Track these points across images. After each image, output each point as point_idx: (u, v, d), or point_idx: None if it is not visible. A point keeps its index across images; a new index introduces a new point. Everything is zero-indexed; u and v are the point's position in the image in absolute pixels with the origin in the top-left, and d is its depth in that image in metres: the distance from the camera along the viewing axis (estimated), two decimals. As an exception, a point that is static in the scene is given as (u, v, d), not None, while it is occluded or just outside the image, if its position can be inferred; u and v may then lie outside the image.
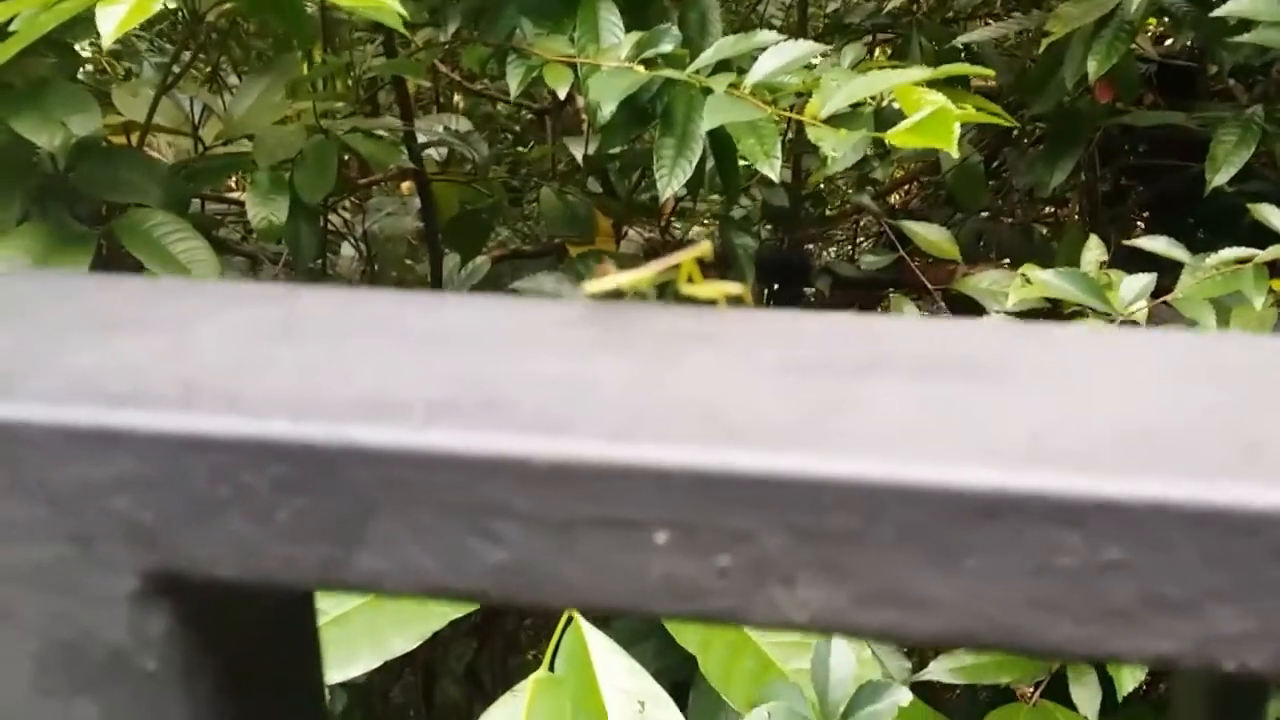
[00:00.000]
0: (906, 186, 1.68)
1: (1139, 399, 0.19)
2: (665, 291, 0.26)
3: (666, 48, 0.82)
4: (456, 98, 1.70)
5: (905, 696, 0.67)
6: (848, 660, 0.68)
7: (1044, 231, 1.48)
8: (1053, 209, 1.59)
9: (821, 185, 1.48)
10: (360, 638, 0.67)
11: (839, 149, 0.70)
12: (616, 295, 0.25)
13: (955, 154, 0.77)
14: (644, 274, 0.26)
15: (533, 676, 0.68)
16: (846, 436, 0.18)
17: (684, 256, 0.26)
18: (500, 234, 1.54)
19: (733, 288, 0.26)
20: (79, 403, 0.19)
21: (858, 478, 0.17)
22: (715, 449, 0.18)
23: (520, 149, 1.85)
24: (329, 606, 0.66)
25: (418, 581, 0.19)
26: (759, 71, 0.75)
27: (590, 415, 0.19)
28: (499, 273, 1.46)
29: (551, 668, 0.68)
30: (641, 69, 0.81)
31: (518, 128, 1.86)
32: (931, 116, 0.65)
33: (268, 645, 0.23)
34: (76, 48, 1.10)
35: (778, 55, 0.74)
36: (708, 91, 0.76)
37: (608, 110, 0.75)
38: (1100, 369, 0.20)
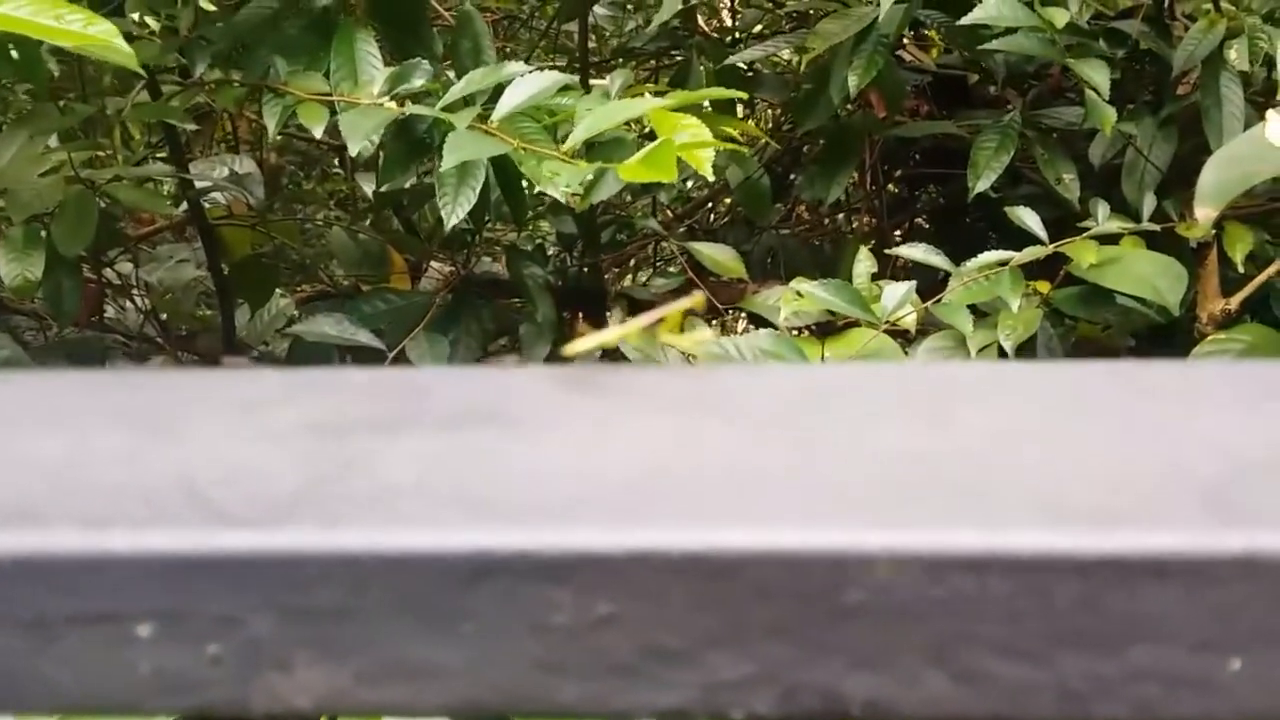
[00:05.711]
0: (710, 205, 1.70)
1: (656, 445, 0.18)
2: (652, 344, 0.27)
3: (418, 82, 0.81)
4: (276, 137, 1.65)
5: None
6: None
7: (830, 245, 1.51)
8: (845, 221, 1.63)
9: (621, 212, 1.48)
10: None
11: (571, 183, 0.70)
12: (597, 353, 0.25)
13: (709, 174, 0.78)
14: (625, 330, 0.26)
15: None
16: (338, 507, 0.17)
17: (671, 309, 0.26)
18: (304, 275, 1.50)
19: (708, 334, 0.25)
20: None
21: (339, 550, 0.16)
22: (192, 531, 0.17)
23: (321, 186, 1.81)
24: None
25: (-117, 699, 0.17)
26: (505, 104, 0.74)
27: (67, 502, 0.17)
28: (305, 315, 1.42)
29: None
30: (394, 105, 0.80)
31: (337, 162, 1.82)
32: (656, 149, 0.66)
33: None
34: None
35: (523, 87, 0.74)
36: (450, 127, 0.75)
37: (354, 148, 0.73)
38: (634, 413, 0.20)
